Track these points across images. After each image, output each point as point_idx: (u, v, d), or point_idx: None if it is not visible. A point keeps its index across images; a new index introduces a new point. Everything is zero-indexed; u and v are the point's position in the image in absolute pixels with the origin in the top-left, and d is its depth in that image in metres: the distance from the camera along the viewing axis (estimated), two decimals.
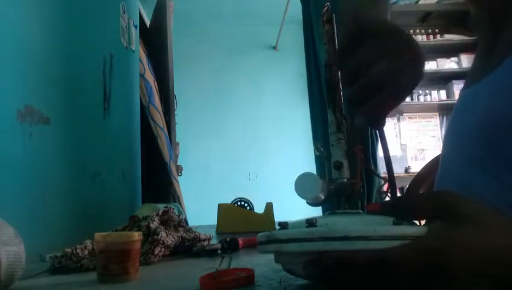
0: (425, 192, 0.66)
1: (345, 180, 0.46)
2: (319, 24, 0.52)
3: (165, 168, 1.95)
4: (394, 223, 0.37)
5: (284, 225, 0.42)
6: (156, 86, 2.11)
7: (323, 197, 0.44)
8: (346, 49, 0.47)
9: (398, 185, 0.50)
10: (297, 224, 0.41)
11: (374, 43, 0.46)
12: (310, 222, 0.38)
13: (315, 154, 1.55)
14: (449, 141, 0.60)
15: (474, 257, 0.32)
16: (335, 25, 0.51)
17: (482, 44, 0.60)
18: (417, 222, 0.41)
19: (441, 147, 0.63)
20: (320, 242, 0.36)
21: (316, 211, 0.56)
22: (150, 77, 2.04)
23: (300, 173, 0.44)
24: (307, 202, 0.46)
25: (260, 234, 0.44)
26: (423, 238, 0.35)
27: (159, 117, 2.00)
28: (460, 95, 0.62)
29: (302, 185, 0.43)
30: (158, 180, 1.99)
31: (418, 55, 0.46)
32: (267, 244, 0.42)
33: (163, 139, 1.96)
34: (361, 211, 0.44)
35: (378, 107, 0.46)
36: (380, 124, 0.49)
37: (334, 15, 0.51)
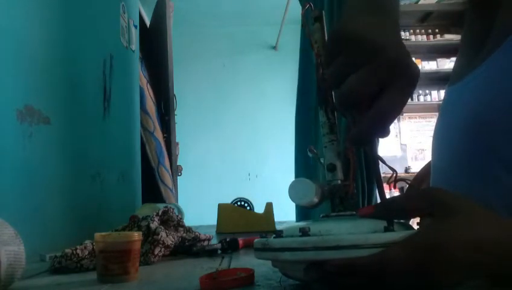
0: (416, 191, 0.66)
1: (339, 182, 0.46)
2: (309, 22, 0.50)
3: (152, 173, 1.95)
4: (385, 230, 0.37)
5: (278, 233, 0.42)
6: (149, 89, 2.09)
7: (317, 201, 0.43)
8: (328, 60, 0.44)
9: (398, 185, 0.50)
10: (292, 230, 0.41)
11: (345, 56, 0.41)
12: (303, 231, 0.39)
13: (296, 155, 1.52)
14: (437, 140, 0.60)
15: (470, 247, 0.32)
16: (325, 24, 0.50)
17: (469, 39, 0.59)
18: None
19: (431, 146, 0.62)
20: (313, 251, 0.37)
21: None
22: (142, 80, 2.02)
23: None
24: (301, 206, 0.46)
25: (257, 240, 0.44)
26: (417, 235, 0.34)
27: (149, 122, 1.98)
28: (445, 92, 0.61)
29: (296, 191, 0.43)
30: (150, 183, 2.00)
31: (405, 73, 0.41)
32: (263, 252, 0.42)
33: (152, 145, 1.96)
34: (355, 213, 0.44)
35: (362, 133, 0.42)
36: (370, 141, 0.45)
37: (323, 13, 0.50)
